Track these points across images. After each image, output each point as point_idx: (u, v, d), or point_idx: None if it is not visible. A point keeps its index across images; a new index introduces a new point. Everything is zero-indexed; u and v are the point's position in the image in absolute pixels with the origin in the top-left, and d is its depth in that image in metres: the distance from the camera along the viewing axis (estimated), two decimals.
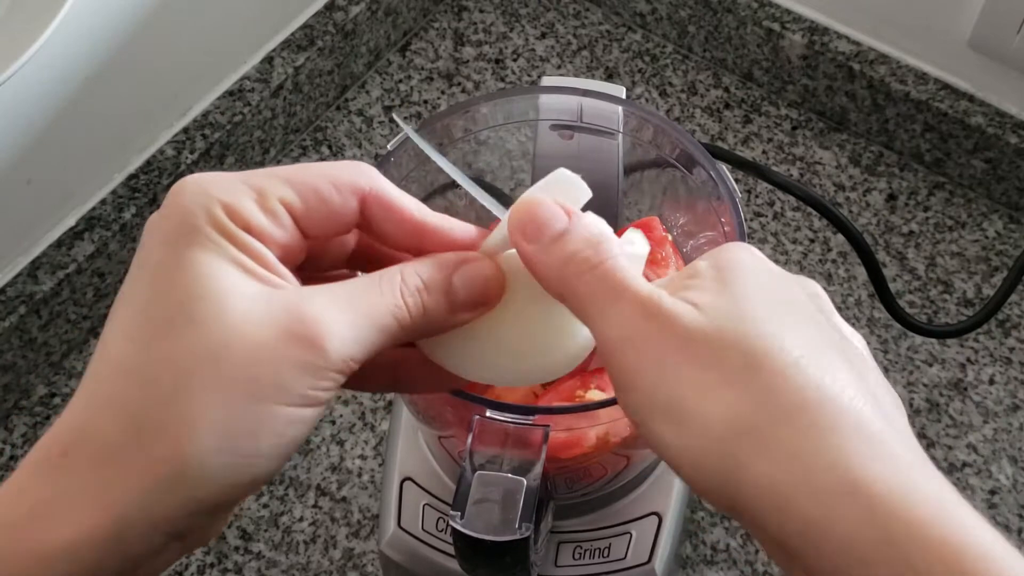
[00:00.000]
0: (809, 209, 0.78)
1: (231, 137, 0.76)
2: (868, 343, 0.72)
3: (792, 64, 0.81)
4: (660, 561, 0.56)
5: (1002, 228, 0.77)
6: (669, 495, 0.58)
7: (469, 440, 0.45)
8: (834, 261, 0.76)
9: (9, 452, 0.69)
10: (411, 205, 0.35)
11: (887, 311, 0.65)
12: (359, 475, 0.68)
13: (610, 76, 0.85)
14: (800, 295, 0.33)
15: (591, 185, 0.58)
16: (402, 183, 0.54)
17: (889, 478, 0.29)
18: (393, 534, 0.57)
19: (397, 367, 0.37)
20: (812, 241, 0.77)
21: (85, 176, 0.72)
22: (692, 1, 0.83)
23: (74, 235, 0.70)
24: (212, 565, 0.65)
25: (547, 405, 0.49)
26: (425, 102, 0.84)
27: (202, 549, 0.65)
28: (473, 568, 0.47)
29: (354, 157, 0.81)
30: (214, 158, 0.75)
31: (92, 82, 0.68)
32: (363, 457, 0.68)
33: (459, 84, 0.85)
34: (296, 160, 0.81)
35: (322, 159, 0.81)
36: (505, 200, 0.61)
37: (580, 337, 0.36)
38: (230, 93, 0.77)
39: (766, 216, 0.78)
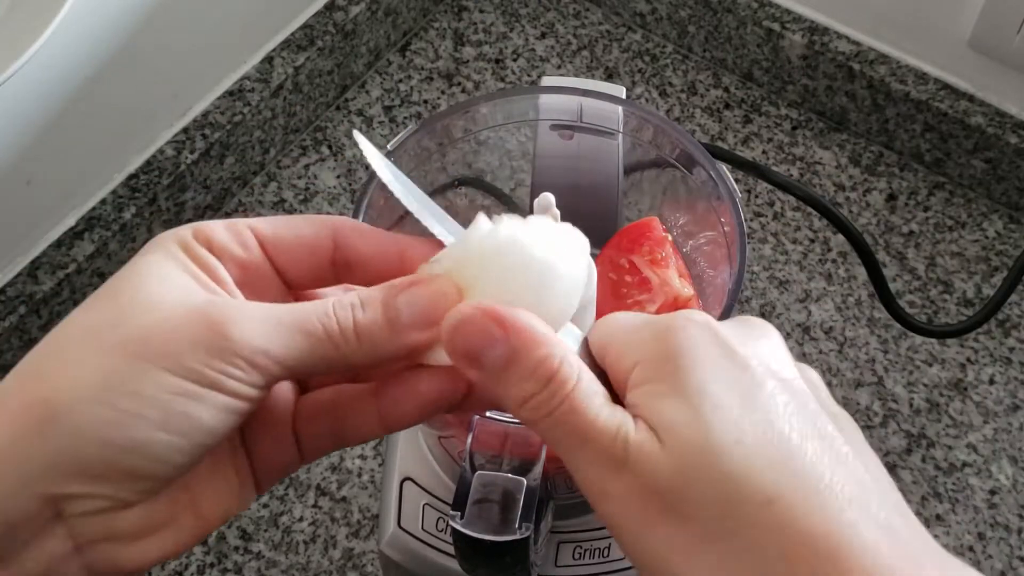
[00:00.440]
0: (809, 209, 0.78)
1: (231, 137, 0.76)
2: (868, 343, 0.72)
3: (792, 64, 0.81)
4: None
5: (1002, 228, 0.77)
6: None
7: (469, 440, 0.45)
8: (834, 261, 0.76)
9: None
10: (388, 234, 0.35)
11: (887, 311, 0.65)
12: (359, 475, 0.68)
13: (610, 76, 0.85)
14: (769, 384, 0.30)
15: (591, 185, 0.58)
16: None
17: None
18: (393, 534, 0.57)
19: (336, 409, 0.34)
20: (812, 241, 0.77)
21: (85, 176, 0.72)
22: (692, 1, 0.83)
23: (74, 235, 0.70)
24: (212, 565, 0.65)
25: None
26: (425, 102, 0.84)
27: (202, 549, 0.65)
28: (473, 568, 0.47)
29: (354, 157, 0.81)
30: (214, 158, 0.75)
31: (92, 82, 0.68)
32: (363, 457, 0.68)
33: (459, 84, 0.85)
34: (296, 160, 0.81)
35: (322, 159, 0.81)
36: (506, 200, 0.61)
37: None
38: (230, 93, 0.77)
39: (766, 216, 0.78)
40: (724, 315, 0.48)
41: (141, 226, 0.72)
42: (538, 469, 0.44)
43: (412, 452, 0.59)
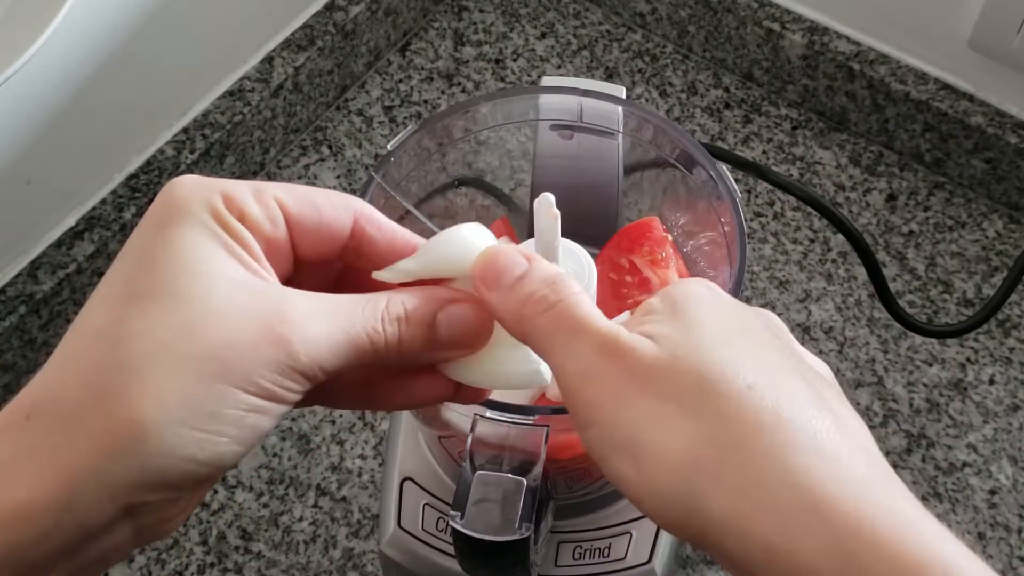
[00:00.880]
0: (809, 209, 0.78)
1: (231, 137, 0.76)
2: (868, 343, 0.72)
3: (792, 64, 0.81)
4: (660, 561, 0.56)
5: (1002, 228, 0.77)
6: None
7: (469, 440, 0.45)
8: (834, 261, 0.76)
9: None
10: (402, 229, 0.36)
11: (887, 311, 0.65)
12: (359, 475, 0.68)
13: (610, 76, 0.85)
14: (756, 324, 0.34)
15: (591, 185, 0.58)
16: (402, 183, 0.54)
17: (850, 497, 0.29)
18: (393, 534, 0.57)
19: (368, 385, 0.37)
20: (812, 241, 0.77)
21: (85, 176, 0.72)
22: (692, 1, 0.83)
23: (74, 235, 0.70)
24: (212, 565, 0.65)
25: (547, 405, 0.49)
26: (425, 102, 0.84)
27: (202, 549, 0.65)
28: (473, 568, 0.47)
29: (354, 157, 0.81)
30: (214, 158, 0.75)
31: (92, 82, 0.68)
32: (363, 457, 0.68)
33: (459, 84, 0.85)
34: (296, 160, 0.81)
35: (322, 159, 0.81)
36: (505, 200, 0.61)
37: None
38: (230, 93, 0.77)
39: (766, 216, 0.78)
40: None
41: None
42: (538, 469, 0.44)
43: (412, 452, 0.59)
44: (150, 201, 0.72)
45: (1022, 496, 0.67)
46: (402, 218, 0.56)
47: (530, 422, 0.45)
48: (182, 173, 0.74)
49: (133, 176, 0.73)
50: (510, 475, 0.44)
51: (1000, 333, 0.73)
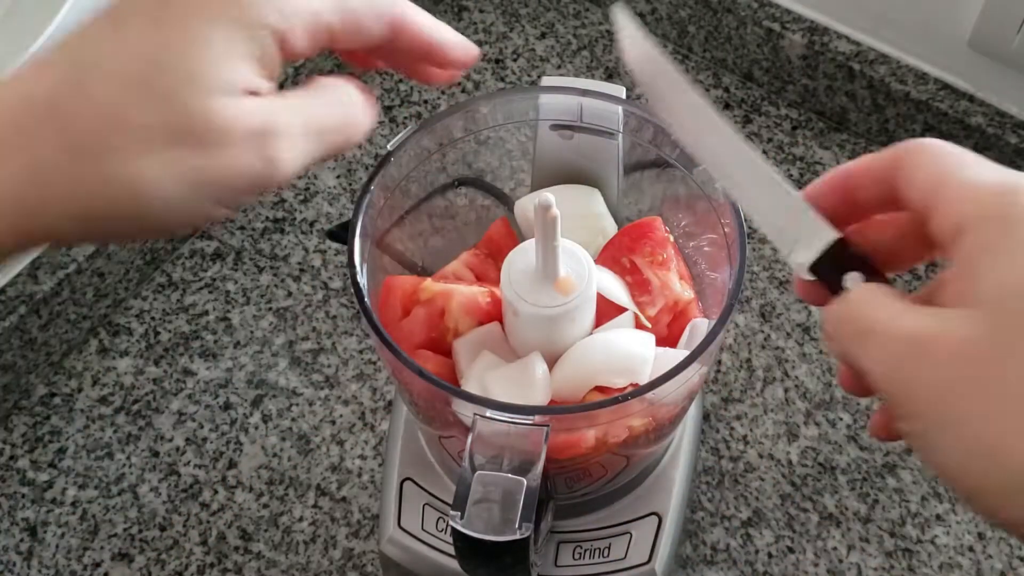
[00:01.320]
0: None
1: None
2: None
3: (792, 64, 0.81)
4: (660, 561, 0.56)
5: None
6: (669, 495, 0.58)
7: (469, 440, 0.45)
8: None
9: (9, 452, 0.69)
10: (433, 28, 0.39)
11: None
12: (359, 475, 0.68)
13: (610, 76, 0.85)
14: None
15: (591, 185, 0.58)
16: (402, 183, 0.54)
17: None
18: (393, 534, 0.57)
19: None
20: None
21: None
22: (692, 1, 0.83)
23: None
24: (212, 565, 0.65)
25: (547, 405, 0.49)
26: (425, 102, 0.84)
27: (202, 549, 0.65)
28: (473, 568, 0.47)
29: (354, 157, 0.81)
30: None
31: None
32: (363, 457, 0.68)
33: (459, 84, 0.85)
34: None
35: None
36: (505, 200, 0.61)
37: None
38: None
39: None
40: (724, 316, 0.48)
41: None
42: (538, 469, 0.44)
43: (412, 452, 0.59)
44: None
45: None
46: (402, 218, 0.56)
47: (530, 422, 0.45)
48: None
49: None
50: (510, 475, 0.44)
51: None
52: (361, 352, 0.72)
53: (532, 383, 0.49)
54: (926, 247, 0.36)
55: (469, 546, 0.44)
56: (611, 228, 0.57)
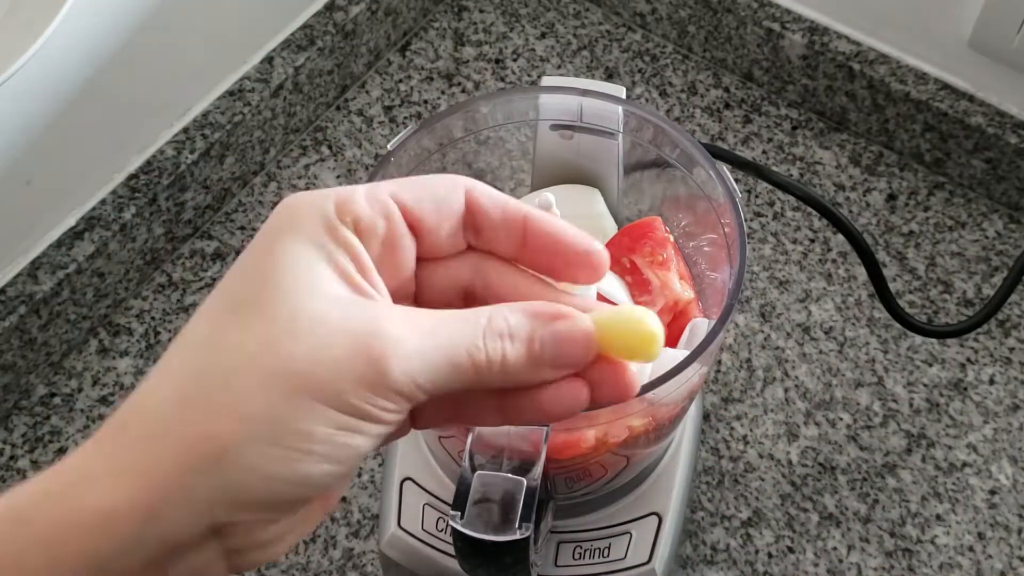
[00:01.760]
0: (809, 209, 0.78)
1: (231, 137, 0.76)
2: (868, 343, 0.72)
3: (792, 64, 0.81)
4: (660, 561, 0.56)
5: (1002, 228, 0.77)
6: (669, 495, 0.58)
7: (469, 440, 0.45)
8: (834, 261, 0.76)
9: (9, 452, 0.69)
10: (511, 199, 0.35)
11: (887, 311, 0.65)
12: (359, 475, 0.68)
13: (610, 76, 0.85)
14: None
15: (591, 185, 0.58)
16: None
17: None
18: (393, 534, 0.57)
19: (459, 404, 0.35)
20: (812, 241, 0.77)
21: (85, 176, 0.72)
22: (692, 1, 0.83)
23: (74, 235, 0.70)
24: None
25: None
26: (425, 102, 0.84)
27: None
28: (473, 568, 0.47)
29: (354, 157, 0.81)
30: (214, 158, 0.75)
31: (92, 82, 0.68)
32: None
33: (459, 84, 0.85)
34: (296, 160, 0.81)
35: (322, 159, 0.81)
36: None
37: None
38: (230, 93, 0.77)
39: (766, 216, 0.78)
40: (724, 315, 0.48)
41: (141, 226, 0.73)
42: (538, 469, 0.44)
43: (412, 452, 0.59)
44: (150, 201, 0.72)
45: (1022, 496, 0.67)
46: None
47: None
48: (182, 173, 0.74)
49: (133, 176, 0.73)
50: (510, 475, 0.44)
51: (1000, 333, 0.73)
52: None
53: None
54: None
55: (469, 546, 0.44)
56: (611, 228, 0.57)
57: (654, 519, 0.57)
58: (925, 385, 0.71)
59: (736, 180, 0.70)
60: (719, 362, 0.72)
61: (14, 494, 0.29)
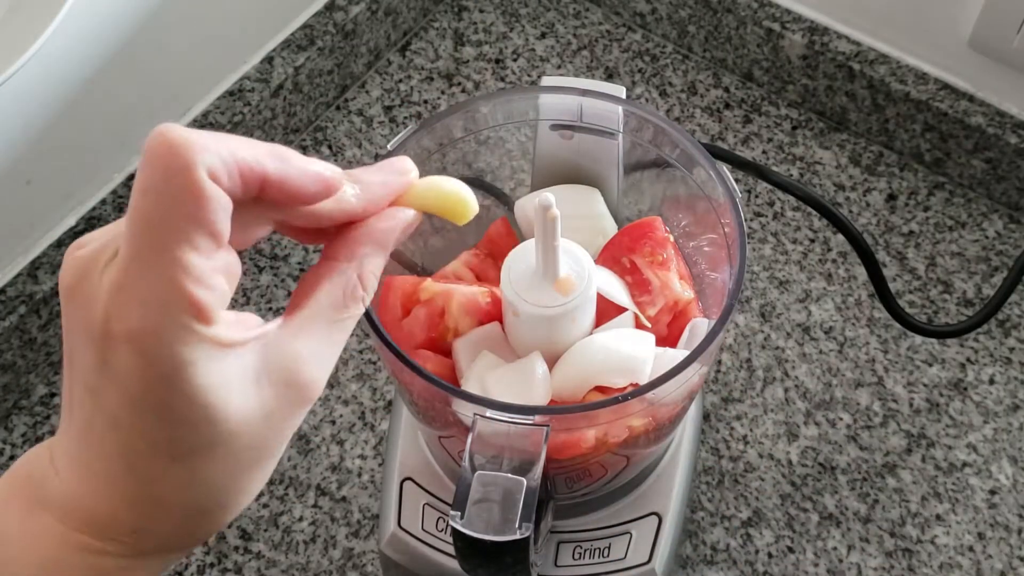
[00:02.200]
0: (809, 209, 0.78)
1: None
2: (868, 343, 0.72)
3: (792, 64, 0.81)
4: (660, 561, 0.56)
5: (1002, 228, 0.77)
6: (669, 495, 0.58)
7: (469, 440, 0.45)
8: (834, 261, 0.76)
9: (9, 452, 0.69)
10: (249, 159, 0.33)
11: (887, 311, 0.65)
12: (359, 475, 0.68)
13: (610, 76, 0.85)
14: None
15: (591, 185, 0.58)
16: None
17: None
18: (393, 534, 0.57)
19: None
20: (812, 241, 0.77)
21: (85, 176, 0.72)
22: (692, 1, 0.83)
23: (74, 235, 0.70)
24: (212, 565, 0.65)
25: (547, 405, 0.49)
26: (425, 102, 0.84)
27: (202, 549, 0.65)
28: (473, 568, 0.47)
29: (354, 157, 0.81)
30: None
31: (92, 82, 0.68)
32: (363, 457, 0.68)
33: (459, 84, 0.85)
34: None
35: (322, 159, 0.81)
36: (505, 200, 0.61)
37: None
38: (230, 93, 0.77)
39: (766, 216, 0.78)
40: (724, 316, 0.48)
41: None
42: (538, 469, 0.44)
43: (412, 452, 0.59)
44: None
45: (1022, 496, 0.67)
46: None
47: (530, 422, 0.45)
48: None
49: (133, 176, 0.73)
50: (510, 475, 0.44)
51: (1000, 333, 0.73)
52: (361, 352, 0.72)
53: (532, 383, 0.49)
54: None
55: (469, 546, 0.44)
56: (611, 228, 0.57)
57: (654, 519, 0.57)
58: (925, 385, 0.71)
59: (736, 180, 0.70)
60: (719, 362, 0.72)
61: None
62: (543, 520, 0.51)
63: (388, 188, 0.37)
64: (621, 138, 0.55)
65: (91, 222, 0.71)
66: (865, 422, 0.69)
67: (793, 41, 0.80)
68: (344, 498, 0.67)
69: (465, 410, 0.47)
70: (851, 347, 0.72)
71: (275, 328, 0.35)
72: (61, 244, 0.70)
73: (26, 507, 0.33)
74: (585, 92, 0.54)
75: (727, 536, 0.66)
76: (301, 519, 0.66)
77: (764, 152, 0.81)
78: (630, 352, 0.49)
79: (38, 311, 0.68)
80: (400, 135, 0.53)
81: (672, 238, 0.55)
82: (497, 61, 0.86)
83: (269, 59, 0.79)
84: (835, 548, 0.65)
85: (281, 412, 0.34)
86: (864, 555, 0.65)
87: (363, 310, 0.37)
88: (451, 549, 0.47)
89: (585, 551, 0.57)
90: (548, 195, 0.45)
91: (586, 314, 0.50)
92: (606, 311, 0.52)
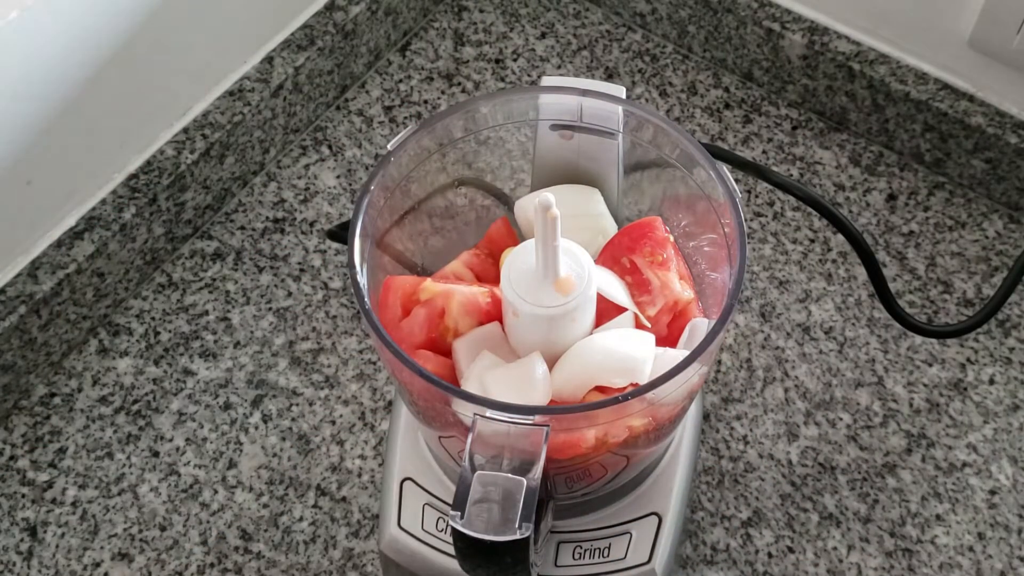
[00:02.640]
0: (809, 209, 0.78)
1: (231, 137, 0.76)
2: (868, 343, 0.72)
3: (792, 64, 0.81)
4: (660, 561, 0.56)
5: (1002, 228, 0.77)
6: (669, 495, 0.58)
7: (469, 440, 0.45)
8: (834, 261, 0.76)
9: (9, 452, 0.69)
10: None
11: (887, 311, 0.65)
12: (359, 475, 0.68)
13: (610, 76, 0.85)
14: None
15: (591, 185, 0.58)
16: (402, 183, 0.54)
17: None
18: (393, 534, 0.57)
19: None
20: (812, 241, 0.77)
21: (85, 176, 0.72)
22: (692, 1, 0.83)
23: (74, 235, 0.70)
24: (212, 565, 0.65)
25: (547, 405, 0.49)
26: (425, 102, 0.84)
27: (202, 549, 0.65)
28: (473, 568, 0.47)
29: (354, 157, 0.81)
30: (214, 158, 0.75)
31: (92, 82, 0.68)
32: (363, 457, 0.68)
33: (459, 84, 0.85)
34: (296, 160, 0.81)
35: (322, 159, 0.81)
36: (505, 200, 0.61)
37: None
38: (230, 93, 0.77)
39: (766, 216, 0.78)
40: (724, 316, 0.48)
41: (141, 226, 0.73)
42: (538, 469, 0.44)
43: (412, 452, 0.59)
44: (150, 201, 0.72)
45: (1022, 496, 0.67)
46: (402, 217, 0.56)
47: (530, 422, 0.45)
48: (182, 173, 0.74)
49: (133, 176, 0.73)
50: (510, 475, 0.44)
51: (1000, 333, 0.73)
52: (361, 352, 0.72)
53: (532, 383, 0.49)
54: None
55: (469, 546, 0.44)
56: (611, 228, 0.57)
57: (654, 519, 0.57)
58: (925, 385, 0.71)
59: (736, 180, 0.71)
60: (719, 362, 0.72)
61: None
62: (543, 520, 0.51)
63: None
64: (621, 138, 0.55)
65: (91, 222, 0.71)
66: (865, 422, 0.69)
67: (793, 41, 0.80)
68: (344, 498, 0.67)
69: (465, 410, 0.47)
70: (851, 347, 0.72)
71: None
72: (61, 244, 0.70)
73: None
74: (585, 92, 0.54)
75: (727, 536, 0.66)
76: (301, 519, 0.66)
77: (764, 152, 0.81)
78: (630, 352, 0.49)
79: (38, 311, 0.68)
80: (400, 135, 0.53)
81: (672, 238, 0.55)
82: (497, 61, 0.86)
83: (269, 59, 0.79)
84: (835, 548, 0.65)
85: None
86: (864, 555, 0.65)
87: None
88: (451, 549, 0.47)
89: (585, 551, 0.57)
90: (548, 195, 0.45)
91: (586, 314, 0.50)
92: (606, 311, 0.52)
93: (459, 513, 0.44)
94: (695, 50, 0.86)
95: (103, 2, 0.66)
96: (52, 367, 0.72)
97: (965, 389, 0.71)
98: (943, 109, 0.76)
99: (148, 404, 0.70)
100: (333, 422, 0.70)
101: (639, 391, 0.46)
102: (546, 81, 0.58)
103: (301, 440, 0.69)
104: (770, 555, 0.65)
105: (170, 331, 0.73)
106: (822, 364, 0.72)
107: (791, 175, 0.80)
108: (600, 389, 0.49)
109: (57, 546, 0.66)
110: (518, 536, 0.44)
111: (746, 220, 0.75)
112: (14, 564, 0.65)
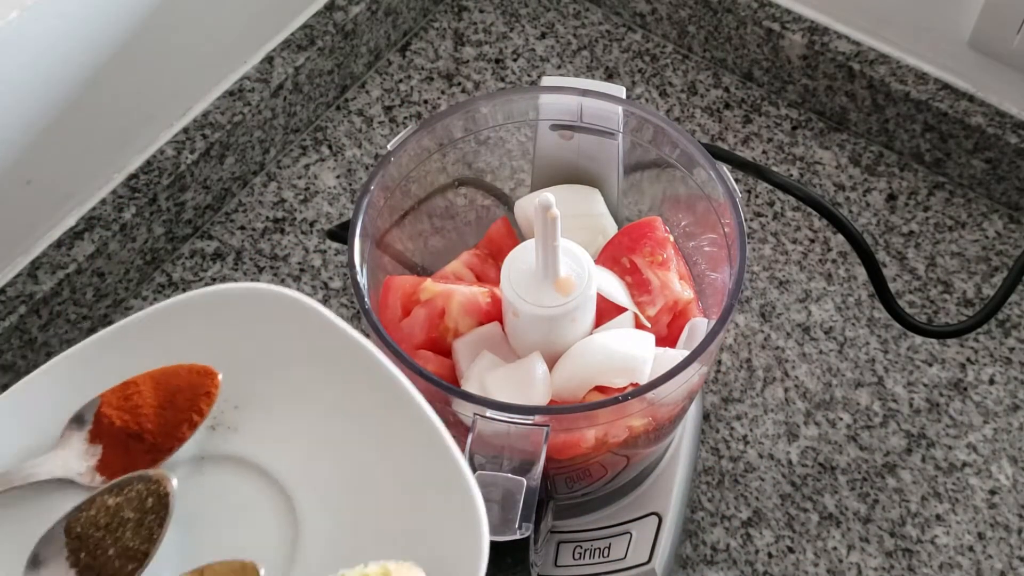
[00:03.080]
0: (809, 209, 0.78)
1: (231, 137, 0.76)
2: (868, 343, 0.72)
3: (792, 64, 0.81)
4: (660, 561, 0.56)
5: (1002, 228, 0.77)
6: (669, 495, 0.58)
7: (469, 440, 0.45)
8: (834, 261, 0.76)
9: None
10: None
11: (887, 311, 0.65)
12: None
13: (610, 76, 0.85)
14: None
15: (591, 185, 0.58)
16: (402, 183, 0.55)
17: None
18: None
19: None
20: (812, 241, 0.77)
21: (85, 176, 0.72)
22: (692, 1, 0.83)
23: (74, 235, 0.70)
24: None
25: (547, 405, 0.49)
26: (425, 102, 0.84)
27: None
28: None
29: (354, 157, 0.81)
30: (214, 158, 0.75)
31: (92, 82, 0.68)
32: None
33: (459, 84, 0.85)
34: (296, 160, 0.81)
35: (322, 159, 0.81)
36: (505, 200, 0.61)
37: None
38: (230, 93, 0.77)
39: (766, 216, 0.78)
40: (724, 316, 0.48)
41: (141, 226, 0.73)
42: (538, 469, 0.45)
43: None
44: (150, 201, 0.72)
45: (1022, 496, 0.67)
46: (402, 217, 0.56)
47: (530, 422, 0.45)
48: (182, 173, 0.74)
49: (133, 176, 0.73)
50: (510, 475, 0.44)
51: (1000, 333, 0.73)
52: None
53: (532, 383, 0.49)
54: None
55: None
56: (611, 228, 0.57)
57: (654, 519, 0.57)
58: (925, 385, 0.71)
59: (736, 180, 0.70)
60: (719, 362, 0.72)
61: None
62: (543, 520, 0.51)
63: None
64: (621, 138, 0.56)
65: (91, 222, 0.71)
66: (865, 422, 0.69)
67: (793, 41, 0.80)
68: None
69: (465, 410, 0.47)
70: (851, 347, 0.72)
71: None
72: (61, 244, 0.70)
73: None
74: (585, 92, 0.54)
75: (727, 536, 0.66)
76: None
77: (764, 152, 0.81)
78: (630, 352, 0.49)
79: (38, 311, 0.68)
80: (400, 135, 0.53)
81: (672, 238, 0.55)
82: (497, 61, 0.86)
83: (269, 59, 0.79)
84: (835, 548, 0.65)
85: None
86: (864, 555, 0.65)
87: None
88: None
89: (585, 551, 0.57)
90: (548, 195, 0.45)
91: (586, 314, 0.50)
92: (606, 311, 0.52)
93: None
94: (695, 50, 0.86)
95: (103, 2, 0.66)
96: None
97: (965, 389, 0.71)
98: (943, 109, 0.76)
99: None
100: None
101: (639, 391, 0.46)
102: (546, 81, 0.58)
103: None
104: (770, 555, 0.65)
105: None
106: (822, 364, 0.72)
107: (791, 175, 0.80)
108: (600, 389, 0.49)
109: None
110: (518, 536, 0.44)
111: (746, 220, 0.75)
112: None
